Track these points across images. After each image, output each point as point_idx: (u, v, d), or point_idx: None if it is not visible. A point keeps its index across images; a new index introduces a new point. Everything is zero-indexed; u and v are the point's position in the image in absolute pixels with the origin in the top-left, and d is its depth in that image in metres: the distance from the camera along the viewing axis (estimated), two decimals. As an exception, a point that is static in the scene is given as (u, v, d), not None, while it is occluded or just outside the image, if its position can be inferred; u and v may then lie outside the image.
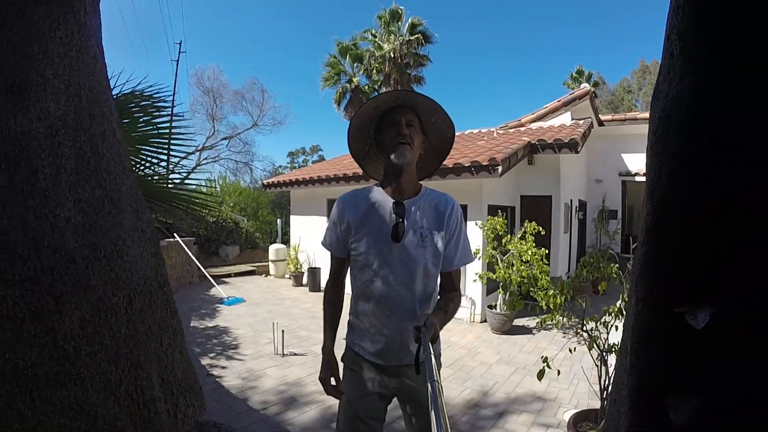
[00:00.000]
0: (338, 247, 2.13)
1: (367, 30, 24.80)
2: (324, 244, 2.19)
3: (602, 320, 3.82)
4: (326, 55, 25.47)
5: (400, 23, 23.67)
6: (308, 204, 13.23)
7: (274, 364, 5.55)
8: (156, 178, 3.58)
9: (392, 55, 23.38)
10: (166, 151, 3.58)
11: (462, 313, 7.97)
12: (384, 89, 24.31)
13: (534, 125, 11.82)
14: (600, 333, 3.80)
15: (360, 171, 10.11)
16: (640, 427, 1.21)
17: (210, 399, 4.12)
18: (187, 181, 4.44)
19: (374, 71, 24.69)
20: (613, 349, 3.68)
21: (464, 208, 7.40)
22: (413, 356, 1.92)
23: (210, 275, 11.43)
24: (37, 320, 0.81)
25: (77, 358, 0.88)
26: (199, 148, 24.04)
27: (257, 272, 14.65)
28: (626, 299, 3.51)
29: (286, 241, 16.58)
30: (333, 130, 79.07)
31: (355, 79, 25.34)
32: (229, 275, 13.70)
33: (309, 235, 13.00)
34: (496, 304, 7.23)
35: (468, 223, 7.34)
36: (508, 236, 7.29)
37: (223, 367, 5.44)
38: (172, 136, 3.62)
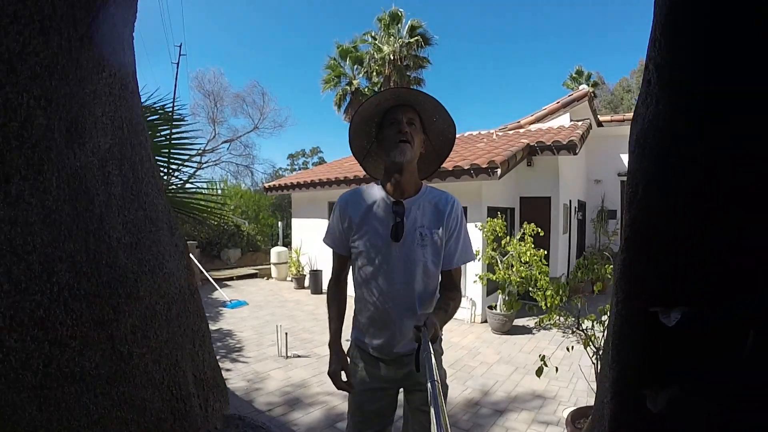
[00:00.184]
0: (340, 245, 2.13)
1: (367, 32, 24.86)
2: (326, 241, 2.19)
3: (598, 319, 3.92)
4: (326, 57, 25.51)
5: (399, 25, 23.74)
6: (309, 207, 13.29)
7: (278, 366, 5.59)
8: (171, 188, 3.67)
9: (392, 57, 23.45)
10: (178, 162, 3.66)
11: (462, 313, 8.05)
12: (384, 91, 24.36)
13: (533, 127, 11.84)
14: (595, 332, 3.91)
15: (361, 173, 10.17)
16: (621, 415, 1.31)
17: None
18: (189, 186, 4.50)
19: (374, 73, 24.76)
20: (607, 347, 3.79)
21: (464, 210, 7.44)
22: (414, 348, 1.94)
23: (212, 278, 11.50)
24: (99, 327, 0.91)
25: (130, 359, 0.99)
26: (200, 152, 24.13)
27: (259, 275, 14.70)
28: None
29: (287, 243, 16.63)
30: (333, 132, 79.07)
31: (355, 82, 25.42)
32: (231, 278, 13.75)
33: (310, 238, 13.06)
34: (496, 305, 7.30)
35: (468, 224, 7.40)
36: (508, 237, 7.38)
37: (228, 370, 5.51)
38: (179, 143, 3.71)
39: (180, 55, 26.51)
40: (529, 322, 7.90)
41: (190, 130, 4.05)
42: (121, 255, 0.98)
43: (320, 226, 12.60)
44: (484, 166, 7.22)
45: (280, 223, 18.53)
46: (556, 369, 4.36)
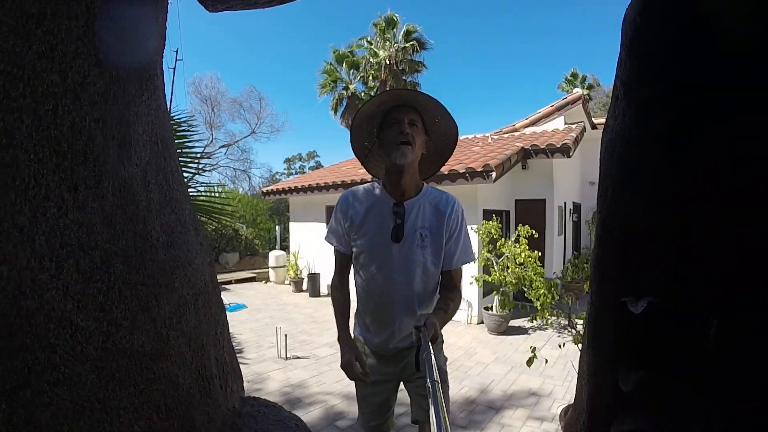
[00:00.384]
0: (342, 244, 2.13)
1: (363, 37, 24.90)
2: (328, 240, 2.20)
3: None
4: (323, 62, 25.51)
5: (395, 30, 23.82)
6: (307, 211, 13.32)
7: (278, 367, 5.65)
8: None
9: (388, 62, 23.54)
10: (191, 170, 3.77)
11: (459, 315, 8.15)
12: (380, 95, 24.45)
13: (528, 130, 11.90)
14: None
15: (358, 177, 10.28)
16: (597, 394, 1.44)
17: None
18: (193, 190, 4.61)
19: (370, 78, 24.81)
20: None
21: (460, 213, 7.54)
22: (408, 344, 2.05)
23: (211, 282, 11.56)
24: (144, 312, 1.05)
25: (168, 340, 1.13)
26: (198, 157, 24.17)
27: (257, 279, 14.73)
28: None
29: (284, 247, 16.67)
30: (330, 136, 79.12)
31: (351, 86, 25.47)
32: (229, 282, 13.79)
33: (308, 242, 13.11)
34: (492, 306, 7.40)
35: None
36: (503, 240, 7.49)
37: (230, 371, 5.61)
38: (188, 150, 3.82)
39: (177, 60, 26.64)
40: (524, 323, 7.98)
41: (192, 133, 4.18)
42: (160, 252, 1.12)
43: (318, 229, 12.69)
44: (479, 169, 7.33)
45: (277, 227, 18.57)
46: (546, 360, 4.50)
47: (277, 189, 14.02)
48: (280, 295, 11.96)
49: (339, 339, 2.02)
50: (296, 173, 43.80)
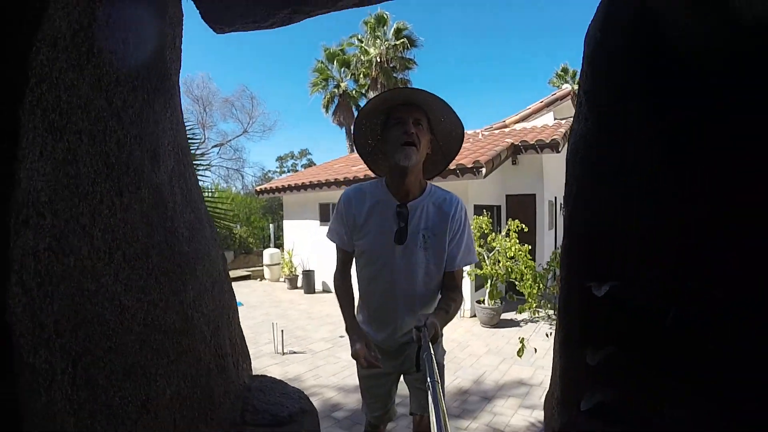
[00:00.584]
0: (344, 242, 2.09)
1: (354, 35, 24.89)
2: (330, 237, 2.16)
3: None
4: (314, 60, 25.55)
5: (385, 28, 23.81)
6: (301, 209, 13.36)
7: (275, 362, 5.77)
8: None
9: (379, 60, 23.55)
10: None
11: (452, 308, 8.31)
12: (371, 93, 24.50)
13: (518, 126, 11.99)
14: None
15: (350, 175, 10.39)
16: (568, 369, 1.57)
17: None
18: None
19: (361, 76, 24.83)
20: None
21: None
22: (409, 339, 1.98)
23: (208, 280, 11.66)
24: (174, 295, 1.22)
25: (192, 320, 1.30)
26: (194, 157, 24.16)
27: (252, 277, 14.78)
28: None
29: (278, 245, 16.73)
30: (322, 134, 78.94)
31: (342, 84, 25.49)
32: (225, 280, 13.84)
33: (303, 239, 13.17)
34: (484, 299, 7.53)
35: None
36: (494, 234, 7.65)
37: (228, 366, 5.75)
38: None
39: (168, 60, 26.65)
40: (516, 315, 8.12)
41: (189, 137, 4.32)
42: (184, 245, 1.30)
43: (312, 227, 12.80)
44: (469, 165, 7.47)
45: (271, 225, 18.60)
46: (535, 350, 4.68)
47: (270, 187, 14.05)
48: (275, 293, 12.06)
49: (348, 330, 1.99)
50: (289, 171, 43.48)
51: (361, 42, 24.29)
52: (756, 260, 1.14)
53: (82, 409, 0.87)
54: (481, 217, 7.73)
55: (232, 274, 14.70)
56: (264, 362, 5.75)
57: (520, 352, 4.08)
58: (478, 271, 7.47)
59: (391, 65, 24.00)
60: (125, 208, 1.03)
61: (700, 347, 1.22)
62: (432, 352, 1.41)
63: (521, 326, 7.37)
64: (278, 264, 14.07)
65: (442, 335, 2.14)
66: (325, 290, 12.37)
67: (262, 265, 14.51)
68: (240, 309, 7.02)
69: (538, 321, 7.50)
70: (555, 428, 1.69)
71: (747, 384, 1.15)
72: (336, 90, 25.53)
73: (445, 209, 2.00)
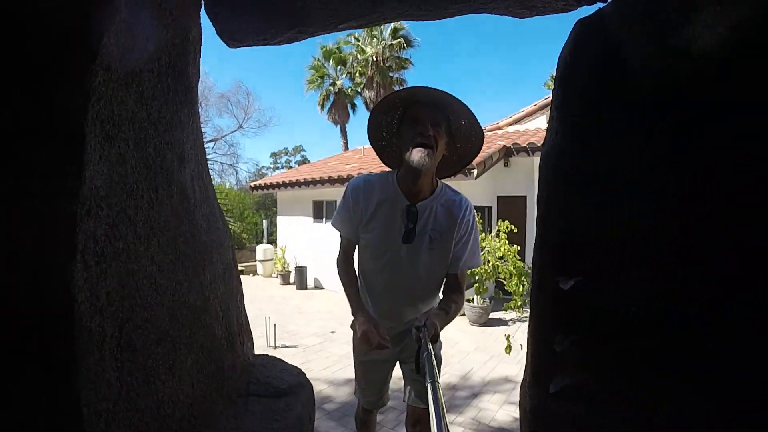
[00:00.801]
0: (350, 231, 2.07)
1: (350, 34, 24.88)
2: (335, 225, 2.13)
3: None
4: (310, 58, 25.57)
5: (382, 27, 23.78)
6: (295, 205, 13.44)
7: None
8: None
9: (375, 59, 23.58)
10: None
11: (442, 306, 8.45)
12: (367, 92, 24.61)
13: (511, 128, 12.08)
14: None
15: (345, 173, 10.54)
16: (538, 355, 1.67)
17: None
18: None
19: (357, 74, 24.84)
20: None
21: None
22: (410, 327, 1.98)
23: (201, 275, 11.74)
24: (196, 278, 1.39)
25: (209, 300, 1.47)
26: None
27: (245, 272, 14.77)
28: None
29: (271, 241, 16.79)
30: (316, 132, 78.90)
31: (338, 82, 25.51)
32: (219, 274, 13.90)
33: (296, 235, 13.27)
34: (473, 298, 7.67)
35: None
36: (484, 234, 7.79)
37: (222, 358, 5.88)
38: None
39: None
40: (504, 315, 8.27)
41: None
42: (203, 235, 1.49)
43: (306, 223, 12.91)
44: (460, 166, 7.58)
45: (264, 221, 18.64)
46: (521, 346, 4.85)
47: (265, 183, 14.12)
48: (267, 288, 12.12)
49: (354, 313, 1.96)
50: (282, 168, 43.29)
51: (358, 41, 24.33)
52: (735, 261, 1.21)
53: (124, 367, 1.07)
54: (472, 217, 7.86)
55: (226, 268, 14.86)
56: (257, 355, 5.87)
57: (507, 349, 4.25)
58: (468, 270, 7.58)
59: (387, 64, 24.03)
60: (159, 203, 1.22)
61: (695, 345, 1.26)
62: (432, 352, 1.45)
63: (509, 325, 7.51)
64: (271, 260, 14.13)
65: (441, 347, 2.24)
66: (317, 286, 12.50)
67: (255, 261, 14.56)
68: (234, 302, 7.06)
69: (525, 320, 7.63)
70: (527, 409, 1.78)
71: (746, 384, 1.18)
72: (332, 88, 25.55)
73: (454, 212, 1.98)
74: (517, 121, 12.62)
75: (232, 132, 26.94)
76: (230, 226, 16.77)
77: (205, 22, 1.67)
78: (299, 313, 8.77)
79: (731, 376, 1.21)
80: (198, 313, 1.42)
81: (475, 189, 9.10)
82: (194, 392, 1.38)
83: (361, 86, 24.96)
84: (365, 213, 1.96)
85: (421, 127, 1.80)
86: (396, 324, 2.09)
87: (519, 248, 7.52)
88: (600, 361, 1.48)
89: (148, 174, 1.17)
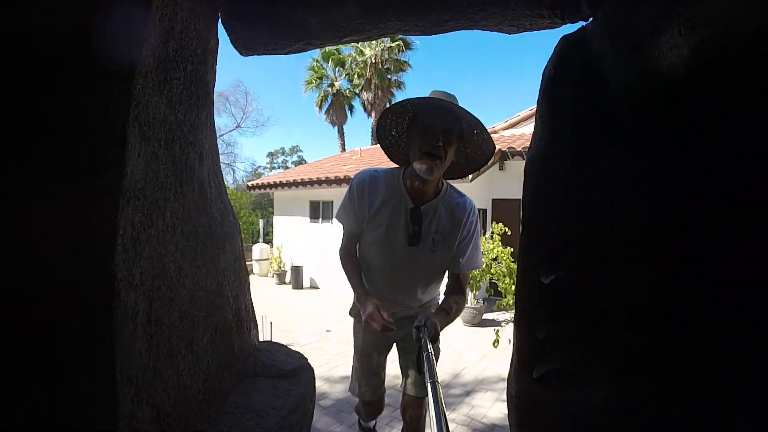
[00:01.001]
0: (353, 225, 2.08)
1: (350, 36, 24.91)
2: (339, 219, 2.14)
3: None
4: (309, 59, 25.68)
5: (381, 31, 23.92)
6: (291, 205, 13.54)
7: None
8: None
9: (373, 61, 23.69)
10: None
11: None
12: (365, 93, 24.71)
13: (507, 132, 12.24)
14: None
15: (342, 174, 10.66)
16: (521, 343, 1.78)
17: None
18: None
19: (355, 76, 24.96)
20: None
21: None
22: (412, 313, 2.16)
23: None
24: (212, 265, 1.53)
25: (222, 286, 1.61)
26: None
27: (242, 270, 14.87)
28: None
29: (267, 241, 16.87)
30: (313, 132, 79.09)
31: (336, 84, 25.60)
32: (215, 273, 13.98)
33: (292, 235, 13.37)
34: (467, 299, 7.82)
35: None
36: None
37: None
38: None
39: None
40: (498, 316, 8.41)
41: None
42: (218, 227, 1.64)
43: (302, 223, 13.01)
44: (455, 170, 7.73)
45: (261, 220, 18.72)
46: (509, 341, 4.99)
47: (262, 183, 14.21)
48: (263, 287, 12.18)
49: (358, 297, 1.99)
50: (279, 167, 43.26)
51: (357, 43, 24.35)
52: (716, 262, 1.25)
53: (152, 339, 1.22)
54: (466, 219, 8.01)
55: (222, 267, 14.92)
56: (253, 352, 5.98)
57: (495, 343, 4.39)
58: (461, 270, 7.72)
59: (386, 67, 24.14)
60: (183, 196, 1.37)
61: (670, 336, 1.30)
62: (432, 351, 1.48)
63: (502, 326, 7.63)
64: (267, 259, 14.21)
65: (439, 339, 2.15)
66: (313, 286, 12.60)
67: (251, 260, 14.62)
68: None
69: (517, 320, 7.77)
70: (513, 395, 1.89)
71: (745, 384, 1.19)
72: (330, 89, 25.65)
73: (457, 216, 2.00)
74: (512, 126, 12.75)
75: (230, 131, 27.10)
76: (227, 225, 17.00)
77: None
78: (295, 312, 8.87)
79: (707, 364, 1.26)
80: (213, 297, 1.57)
81: (470, 191, 9.01)
82: (209, 368, 1.53)
83: (360, 88, 25.06)
84: (369, 209, 1.97)
85: (432, 136, 1.79)
86: (398, 310, 2.13)
87: (512, 250, 7.67)
88: (579, 349, 1.56)
89: (175, 170, 1.32)
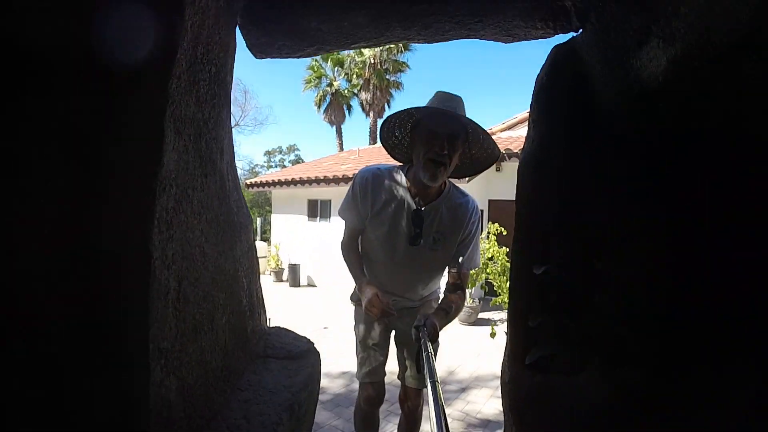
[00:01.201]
0: (355, 222, 2.12)
1: (349, 37, 24.94)
2: (342, 216, 2.19)
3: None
4: (309, 58, 25.79)
5: (380, 31, 23.98)
6: (290, 204, 13.64)
7: None
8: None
9: (372, 61, 23.77)
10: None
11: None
12: (363, 93, 24.81)
13: (504, 134, 12.33)
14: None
15: (340, 173, 10.77)
16: (515, 333, 1.87)
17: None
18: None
19: (354, 76, 25.05)
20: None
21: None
22: (411, 305, 2.23)
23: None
24: (230, 251, 1.64)
25: (238, 272, 1.73)
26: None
27: (240, 268, 14.95)
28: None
29: (265, 239, 16.92)
30: (311, 131, 79.32)
31: (335, 83, 25.68)
32: (213, 270, 14.07)
33: (290, 233, 13.46)
34: (463, 297, 7.92)
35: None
36: (475, 236, 8.04)
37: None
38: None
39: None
40: (493, 315, 8.52)
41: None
42: (234, 217, 1.77)
43: (300, 221, 13.10)
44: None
45: (258, 218, 18.76)
46: (505, 333, 5.11)
47: (260, 181, 14.29)
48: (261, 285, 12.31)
49: (359, 285, 2.06)
50: (276, 166, 43.17)
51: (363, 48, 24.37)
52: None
53: (180, 315, 1.35)
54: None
55: (220, 264, 15.00)
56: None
57: (492, 335, 4.54)
58: (457, 269, 7.84)
59: (385, 67, 24.23)
60: (207, 187, 1.51)
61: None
62: (432, 351, 1.51)
63: (498, 325, 7.76)
64: (264, 257, 14.26)
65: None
66: (310, 284, 12.70)
67: (250, 257, 14.66)
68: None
69: (511, 319, 7.89)
70: (506, 380, 1.95)
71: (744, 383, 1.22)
72: (329, 89, 25.71)
73: (460, 216, 2.03)
74: (510, 128, 12.83)
75: (229, 129, 27.01)
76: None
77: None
78: (293, 310, 8.95)
79: (692, 357, 1.31)
80: (231, 281, 1.70)
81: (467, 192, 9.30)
82: (226, 347, 1.67)
83: (358, 88, 25.13)
84: (372, 207, 2.01)
85: (437, 143, 1.81)
86: (398, 299, 2.18)
87: (507, 250, 7.78)
88: (568, 337, 1.64)
89: (201, 163, 1.45)
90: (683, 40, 1.28)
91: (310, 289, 12.31)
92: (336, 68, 25.72)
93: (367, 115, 25.88)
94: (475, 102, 79.21)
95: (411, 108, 1.93)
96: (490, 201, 10.86)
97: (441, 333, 1.98)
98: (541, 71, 1.92)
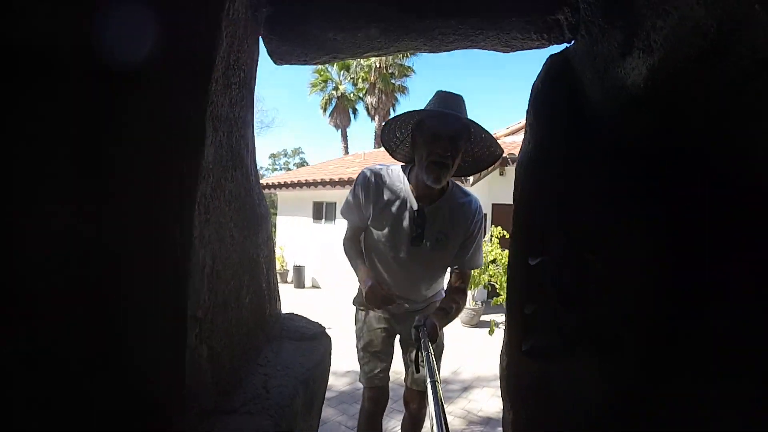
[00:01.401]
0: (357, 221, 2.16)
1: (355, 41, 25.01)
2: (344, 215, 2.21)
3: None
4: (315, 62, 25.84)
5: (386, 36, 24.06)
6: (295, 206, 13.75)
7: None
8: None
9: (378, 65, 23.90)
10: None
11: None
12: (369, 97, 24.93)
13: (508, 139, 12.31)
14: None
15: (345, 176, 10.89)
16: (511, 321, 1.96)
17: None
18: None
19: (360, 79, 25.17)
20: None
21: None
22: (417, 307, 2.26)
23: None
24: (253, 237, 1.80)
25: (259, 258, 1.90)
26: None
27: (245, 268, 15.01)
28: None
29: (270, 240, 16.98)
30: (316, 134, 79.59)
31: (341, 87, 25.78)
32: (218, 271, 14.18)
33: (295, 235, 13.57)
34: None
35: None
36: (479, 238, 8.14)
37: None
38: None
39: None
40: (496, 317, 8.61)
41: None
42: (257, 208, 1.95)
43: (305, 224, 13.22)
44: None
45: (264, 220, 18.84)
46: (502, 327, 5.23)
47: (266, 184, 14.37)
48: (267, 285, 12.38)
49: (360, 277, 2.12)
50: (281, 169, 43.16)
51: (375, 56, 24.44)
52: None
53: (212, 289, 1.52)
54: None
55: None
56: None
57: (491, 332, 4.68)
58: (460, 271, 7.95)
59: (390, 71, 24.33)
60: (236, 179, 1.69)
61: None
62: (431, 351, 1.53)
63: (500, 327, 7.78)
64: (270, 258, 14.38)
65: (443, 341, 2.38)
66: (315, 286, 12.82)
67: (255, 258, 14.72)
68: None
69: (512, 321, 7.96)
70: (504, 366, 2.08)
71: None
72: (334, 92, 25.81)
73: (462, 216, 2.04)
74: (513, 133, 12.86)
75: (235, 132, 27.07)
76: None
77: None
78: (297, 310, 8.85)
79: (678, 351, 1.39)
80: (254, 265, 1.88)
81: (470, 196, 9.39)
82: (248, 324, 1.84)
83: (364, 92, 25.22)
84: (374, 207, 2.04)
85: (440, 146, 1.82)
86: (401, 302, 2.22)
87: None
88: (561, 326, 1.72)
89: (232, 157, 1.63)
90: (660, 51, 1.41)
91: (314, 290, 12.40)
92: (342, 72, 25.88)
93: (373, 118, 26.04)
94: (479, 107, 79.39)
95: (413, 111, 1.95)
96: (493, 205, 10.95)
97: (444, 334, 2.02)
98: (537, 79, 2.04)
